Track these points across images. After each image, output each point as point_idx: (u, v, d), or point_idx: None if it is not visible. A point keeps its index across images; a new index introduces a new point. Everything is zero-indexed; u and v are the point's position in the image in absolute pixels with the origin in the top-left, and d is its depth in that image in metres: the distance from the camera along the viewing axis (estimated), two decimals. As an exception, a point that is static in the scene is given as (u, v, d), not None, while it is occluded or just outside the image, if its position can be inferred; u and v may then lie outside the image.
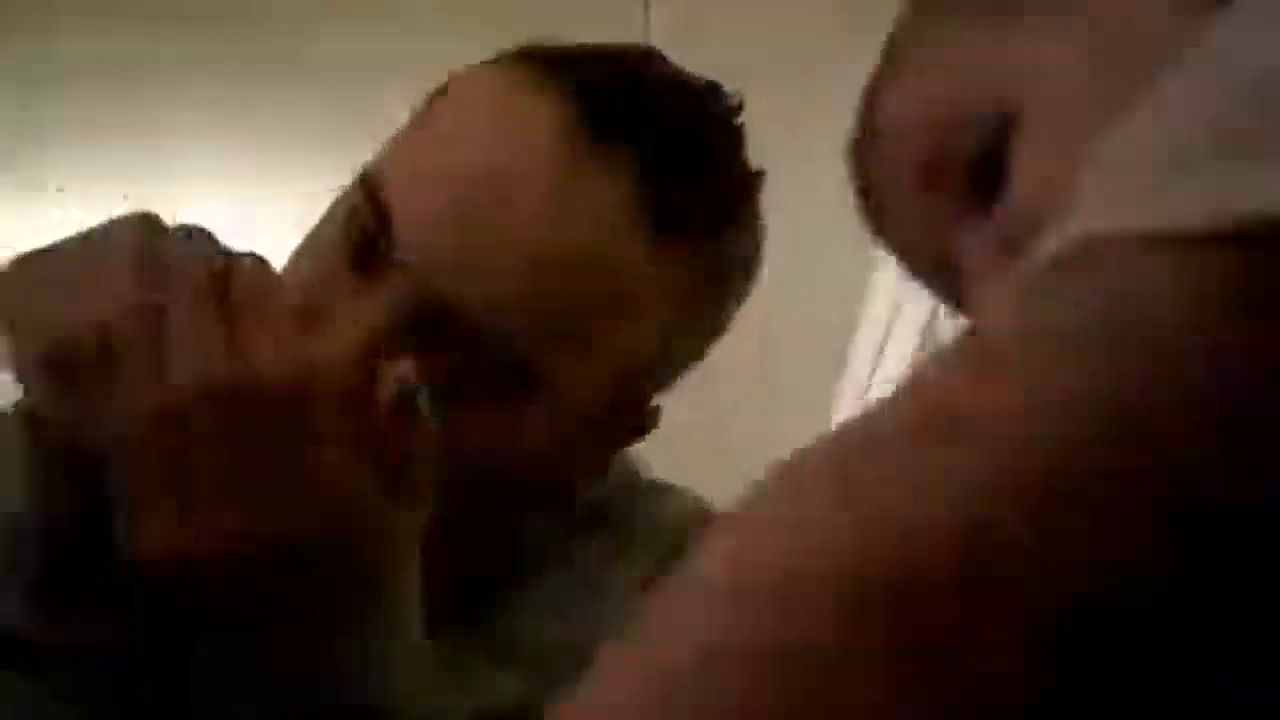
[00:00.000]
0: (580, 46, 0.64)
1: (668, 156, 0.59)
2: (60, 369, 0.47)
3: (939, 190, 0.55)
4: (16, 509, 0.52)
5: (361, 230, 0.58)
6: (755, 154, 0.65)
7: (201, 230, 0.51)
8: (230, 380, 0.46)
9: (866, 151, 0.59)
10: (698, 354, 0.67)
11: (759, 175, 0.65)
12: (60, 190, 2.46)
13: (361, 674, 0.51)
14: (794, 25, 2.25)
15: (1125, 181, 0.32)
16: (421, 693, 0.52)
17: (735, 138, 0.64)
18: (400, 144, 0.62)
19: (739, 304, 0.67)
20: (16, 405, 0.52)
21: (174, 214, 0.52)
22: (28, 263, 0.51)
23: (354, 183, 0.60)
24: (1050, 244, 0.31)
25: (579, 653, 0.64)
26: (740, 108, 0.64)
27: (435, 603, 0.54)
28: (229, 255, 0.52)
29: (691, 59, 0.70)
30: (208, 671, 0.52)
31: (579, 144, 0.58)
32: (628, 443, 0.68)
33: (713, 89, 0.64)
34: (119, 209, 0.53)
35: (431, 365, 0.53)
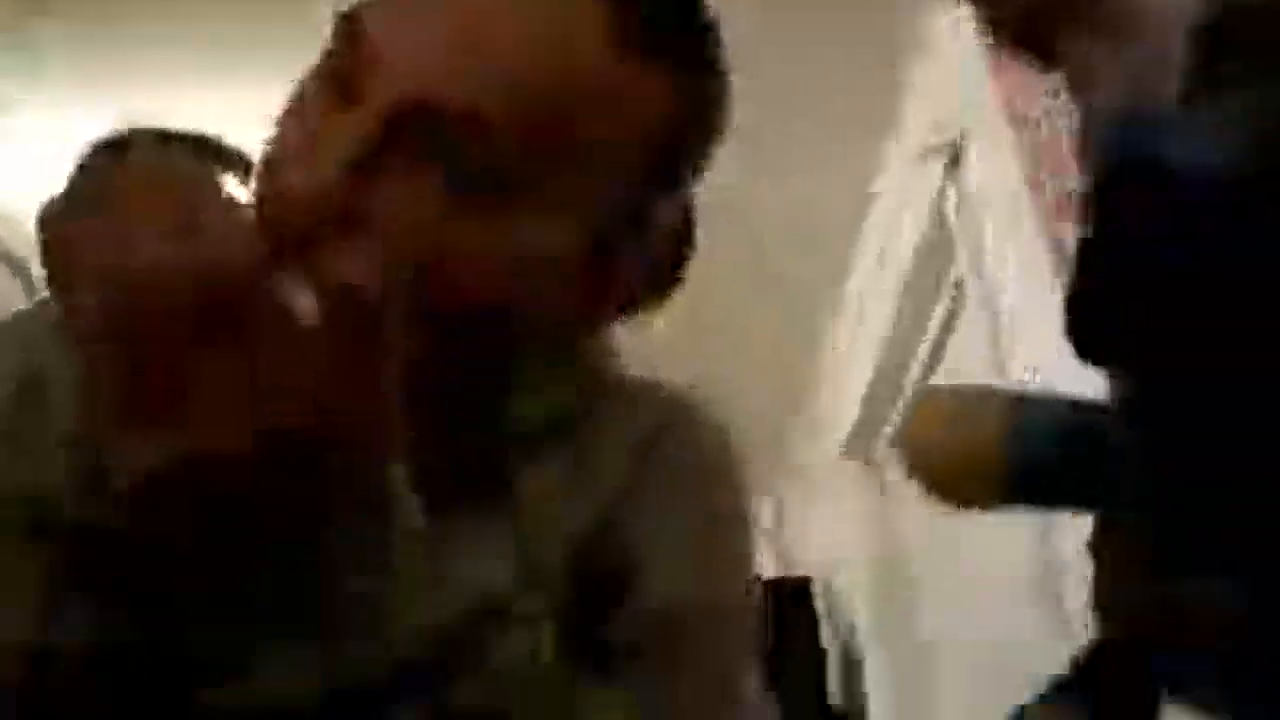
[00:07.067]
0: None
1: None
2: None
3: None
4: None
5: (342, 56, 0.59)
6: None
7: (194, 136, 0.49)
8: (182, 267, 0.44)
9: None
10: (682, 184, 0.67)
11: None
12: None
13: (349, 564, 0.50)
14: (797, 6, 2.24)
15: None
16: (415, 581, 0.52)
17: None
18: None
19: (714, 144, 0.68)
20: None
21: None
22: None
23: (333, 25, 0.60)
24: None
25: (567, 546, 0.62)
26: None
27: (436, 480, 0.53)
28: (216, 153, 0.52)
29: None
30: (204, 600, 0.51)
31: None
32: (629, 296, 0.67)
33: None
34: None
35: (417, 176, 0.55)
